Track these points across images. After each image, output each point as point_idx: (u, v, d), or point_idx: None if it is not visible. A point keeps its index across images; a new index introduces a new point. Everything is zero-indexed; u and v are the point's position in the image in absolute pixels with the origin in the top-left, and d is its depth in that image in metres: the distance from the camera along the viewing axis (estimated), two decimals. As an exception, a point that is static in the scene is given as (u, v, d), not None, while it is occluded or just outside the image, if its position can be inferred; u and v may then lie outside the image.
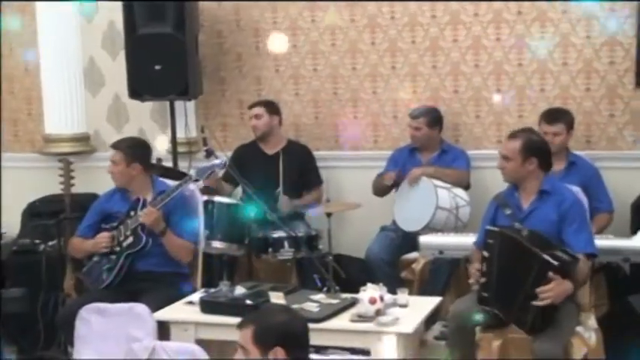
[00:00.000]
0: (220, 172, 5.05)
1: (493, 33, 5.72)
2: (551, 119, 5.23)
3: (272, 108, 5.80)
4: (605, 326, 4.32)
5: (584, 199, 4.52)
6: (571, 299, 4.17)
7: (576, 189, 4.58)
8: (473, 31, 5.75)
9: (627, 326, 4.33)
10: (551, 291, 3.87)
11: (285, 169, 5.60)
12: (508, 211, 4.29)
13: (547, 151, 4.34)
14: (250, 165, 5.56)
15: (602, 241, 4.48)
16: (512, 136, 4.35)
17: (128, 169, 4.87)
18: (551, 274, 3.86)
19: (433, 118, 5.59)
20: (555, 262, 3.87)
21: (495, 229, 4.16)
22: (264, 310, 3.35)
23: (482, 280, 4.13)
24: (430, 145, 5.62)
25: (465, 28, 5.76)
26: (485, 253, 4.13)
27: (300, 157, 5.79)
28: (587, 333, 4.20)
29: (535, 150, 4.26)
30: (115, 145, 4.97)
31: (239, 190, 5.62)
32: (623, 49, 5.50)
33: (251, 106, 5.83)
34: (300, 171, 5.73)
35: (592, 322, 4.31)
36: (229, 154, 5.63)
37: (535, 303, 3.88)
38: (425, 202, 5.27)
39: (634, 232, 4.63)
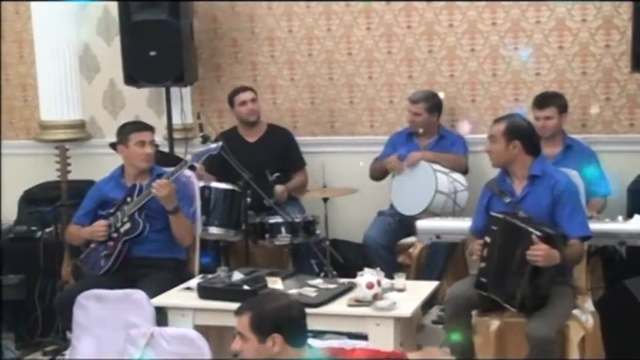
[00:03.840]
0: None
1: (489, 17, 5.71)
2: (541, 104, 5.24)
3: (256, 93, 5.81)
4: (601, 309, 4.33)
5: (580, 183, 4.52)
6: (565, 282, 4.19)
7: (573, 173, 4.58)
8: (468, 16, 5.74)
9: (623, 309, 4.34)
10: (540, 250, 3.87)
11: (268, 156, 5.60)
12: (507, 199, 4.28)
13: (532, 135, 4.33)
14: (233, 153, 5.52)
15: (598, 225, 4.48)
16: (498, 119, 4.40)
17: None
18: (535, 238, 3.87)
19: (433, 104, 5.58)
20: (538, 233, 3.88)
21: (499, 215, 4.14)
22: (261, 296, 3.36)
23: (482, 265, 4.14)
24: (428, 130, 5.61)
25: (460, 13, 5.75)
26: (487, 239, 4.13)
27: (281, 142, 5.79)
28: (584, 316, 4.21)
29: (518, 133, 4.25)
30: None
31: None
32: (619, 33, 5.49)
33: (241, 91, 5.78)
34: (283, 155, 5.73)
35: (589, 305, 4.32)
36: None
37: (528, 257, 3.88)
38: (424, 186, 5.27)
39: (630, 216, 4.63)
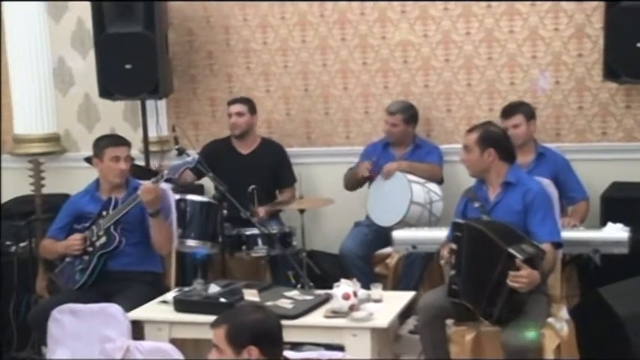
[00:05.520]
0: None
1: (463, 27, 5.74)
2: (507, 113, 5.29)
3: (252, 106, 5.78)
4: (576, 317, 4.36)
5: (554, 192, 4.55)
6: (540, 291, 4.21)
7: (547, 181, 4.61)
8: (442, 26, 5.77)
9: (598, 317, 4.37)
10: (525, 277, 3.88)
11: (259, 170, 5.60)
12: (477, 204, 4.33)
13: (505, 142, 4.39)
14: (223, 163, 5.54)
15: (572, 233, 4.53)
16: (471, 129, 4.43)
17: None
18: (518, 262, 3.89)
19: (410, 115, 5.61)
20: (520, 256, 3.90)
21: (461, 221, 4.20)
22: (237, 309, 3.36)
23: (452, 272, 4.16)
24: (404, 140, 5.63)
25: (434, 23, 5.78)
26: (454, 246, 4.16)
27: (274, 156, 5.78)
28: (559, 324, 4.23)
29: (492, 141, 4.30)
30: None
31: (211, 187, 5.60)
32: (591, 42, 5.54)
33: (231, 103, 5.78)
34: (274, 170, 5.73)
35: (563, 313, 4.34)
36: (199, 150, 5.62)
37: (510, 282, 3.89)
38: (399, 197, 5.29)
39: (603, 224, 4.67)
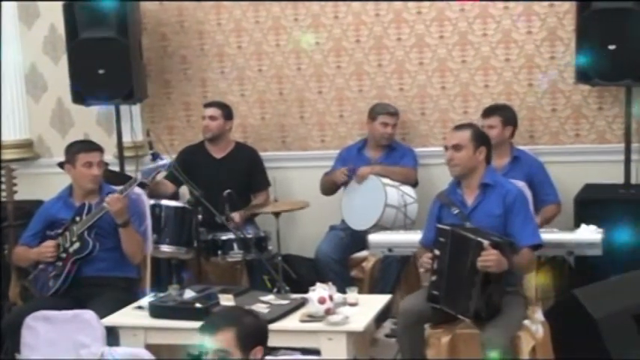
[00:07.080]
0: (162, 174, 4.99)
1: (436, 31, 5.76)
2: (486, 113, 5.35)
3: (228, 112, 5.76)
4: (551, 319, 4.38)
5: (529, 194, 4.58)
6: (517, 292, 4.22)
7: (521, 183, 4.63)
8: (416, 30, 5.79)
9: (573, 319, 4.39)
10: (492, 256, 3.89)
11: (233, 174, 5.59)
12: (455, 210, 4.31)
13: (490, 142, 4.41)
14: (197, 168, 5.53)
15: (546, 235, 4.53)
16: (459, 127, 4.40)
17: None
18: (485, 245, 3.90)
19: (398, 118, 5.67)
20: (485, 241, 3.91)
21: (447, 227, 4.15)
22: (234, 312, 3.38)
23: (433, 278, 4.15)
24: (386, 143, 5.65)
25: (408, 27, 5.80)
26: (437, 251, 4.14)
27: (248, 160, 5.77)
28: (535, 326, 4.24)
29: (484, 139, 4.33)
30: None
31: (186, 192, 5.59)
32: (563, 44, 5.58)
33: (207, 106, 5.77)
34: (248, 174, 5.72)
35: (539, 315, 4.35)
36: (174, 156, 5.60)
37: (479, 264, 3.91)
38: (373, 201, 5.29)
39: (577, 226, 4.69)
